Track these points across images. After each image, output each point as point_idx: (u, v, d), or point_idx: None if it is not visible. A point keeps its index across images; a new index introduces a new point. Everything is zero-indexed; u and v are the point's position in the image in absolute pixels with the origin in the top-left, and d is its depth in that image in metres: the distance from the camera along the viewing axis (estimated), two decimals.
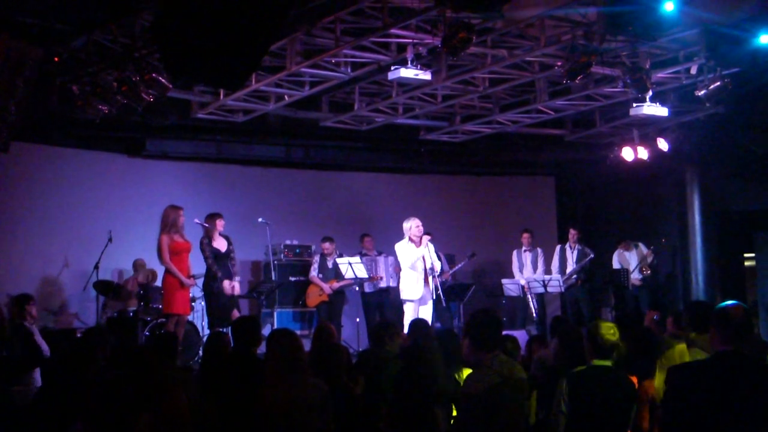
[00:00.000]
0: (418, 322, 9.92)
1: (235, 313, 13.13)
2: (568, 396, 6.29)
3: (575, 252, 16.88)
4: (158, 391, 5.99)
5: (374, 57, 12.86)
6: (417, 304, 13.43)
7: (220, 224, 13.41)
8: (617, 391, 6.39)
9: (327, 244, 16.43)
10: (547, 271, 17.15)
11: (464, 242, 18.25)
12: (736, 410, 5.09)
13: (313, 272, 16.44)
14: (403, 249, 13.57)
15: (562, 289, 16.57)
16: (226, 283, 13.11)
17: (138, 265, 15.24)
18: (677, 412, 5.25)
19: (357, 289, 16.65)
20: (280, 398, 6.42)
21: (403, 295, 13.62)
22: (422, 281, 13.45)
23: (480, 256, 17.58)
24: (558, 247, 17.28)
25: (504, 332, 7.53)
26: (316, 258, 16.55)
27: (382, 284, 16.54)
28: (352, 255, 16.19)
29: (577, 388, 6.31)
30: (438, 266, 13.76)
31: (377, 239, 17.00)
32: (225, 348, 8.56)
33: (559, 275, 16.54)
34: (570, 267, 16.81)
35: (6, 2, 11.46)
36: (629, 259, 17.03)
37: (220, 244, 13.32)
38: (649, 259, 16.91)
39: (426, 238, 13.55)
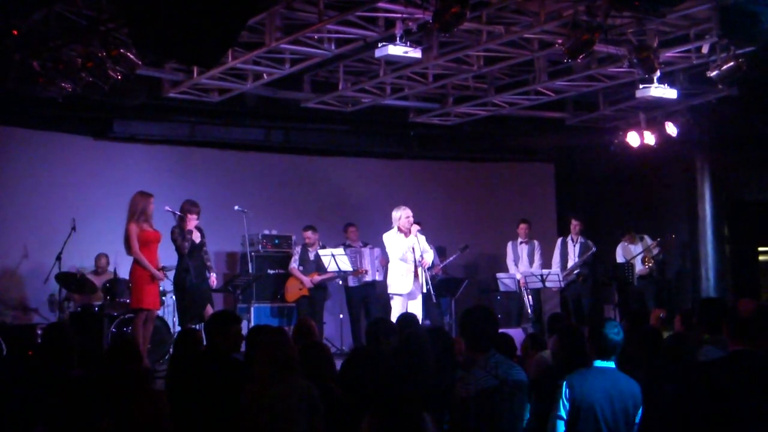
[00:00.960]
0: (406, 317, 9.92)
1: (209, 309, 13.11)
2: (567, 399, 6.30)
3: (577, 245, 16.91)
4: (124, 395, 6.00)
5: (360, 33, 12.82)
6: (405, 298, 13.46)
7: (193, 218, 13.32)
8: (622, 394, 6.40)
9: (309, 233, 16.42)
10: (545, 265, 17.16)
11: (456, 233, 18.25)
12: (751, 411, 5.14)
13: (293, 264, 16.44)
14: (391, 239, 13.59)
15: (562, 285, 16.60)
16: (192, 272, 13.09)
17: (99, 266, 15.23)
18: (690, 413, 5.28)
19: (340, 283, 16.67)
20: (266, 400, 6.42)
21: (391, 289, 13.65)
22: (411, 274, 13.48)
23: (473, 249, 17.61)
24: (559, 240, 17.30)
25: (499, 330, 7.54)
26: (297, 249, 16.55)
27: (368, 278, 16.55)
28: (335, 246, 16.19)
29: (578, 391, 6.32)
30: (429, 258, 13.77)
31: (362, 230, 17.00)
32: (195, 347, 8.52)
33: (559, 270, 16.57)
34: (571, 261, 16.84)
35: None
36: (634, 253, 17.01)
37: (194, 235, 13.28)
38: (654, 251, 16.90)
39: (415, 228, 13.57)
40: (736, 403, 5.17)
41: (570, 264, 16.83)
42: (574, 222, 17.04)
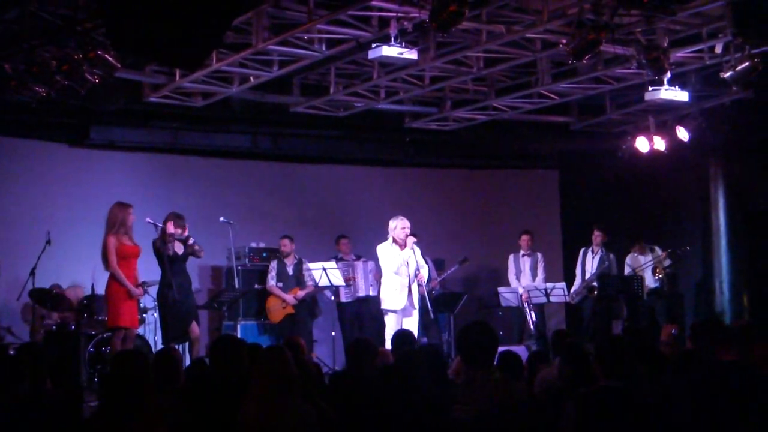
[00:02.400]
0: (402, 335, 9.92)
1: (195, 327, 13.10)
2: (576, 421, 6.28)
3: (597, 257, 16.88)
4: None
5: (352, 33, 12.84)
6: (400, 315, 13.49)
7: (178, 231, 13.27)
8: (632, 415, 6.38)
9: (286, 241, 16.34)
10: (549, 278, 17.14)
11: (455, 245, 18.26)
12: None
13: (271, 281, 16.31)
14: (385, 252, 13.61)
15: (567, 299, 16.60)
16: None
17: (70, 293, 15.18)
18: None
19: (332, 298, 16.65)
20: (266, 421, 6.43)
21: (385, 305, 13.66)
22: (406, 290, 13.50)
23: (473, 262, 17.62)
24: (581, 252, 17.22)
25: (501, 348, 7.54)
26: (273, 265, 16.40)
27: (361, 293, 16.55)
28: (326, 259, 16.18)
29: (587, 411, 6.30)
30: (425, 273, 13.78)
31: (355, 242, 17.00)
32: (176, 366, 8.44)
33: (563, 284, 16.56)
34: (588, 274, 16.83)
35: None
36: (643, 264, 16.99)
37: (176, 247, 13.26)
38: (665, 263, 16.89)
39: (411, 240, 13.58)
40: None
41: (587, 277, 16.84)
42: (596, 232, 16.94)
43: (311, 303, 16.57)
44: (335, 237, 17.09)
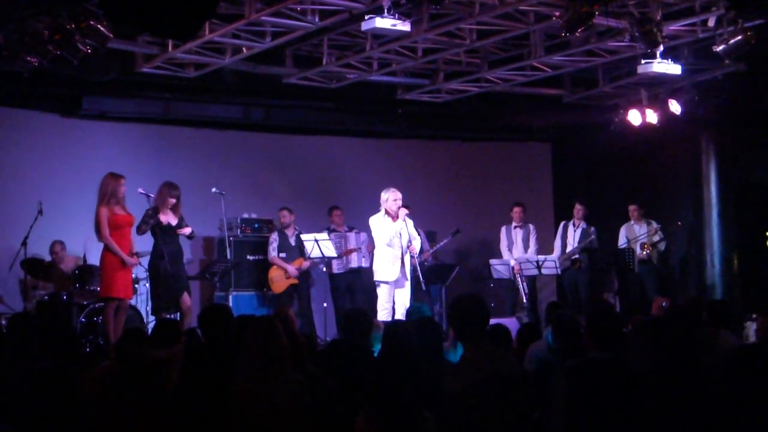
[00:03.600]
0: (392, 330, 9.90)
1: (186, 298, 13.12)
2: (565, 393, 6.30)
3: (578, 230, 16.95)
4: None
5: (345, 4, 12.82)
6: (392, 286, 13.50)
7: (171, 200, 13.28)
8: (623, 386, 6.39)
9: (285, 212, 16.39)
10: (541, 250, 17.19)
11: (447, 217, 18.28)
12: None
13: (273, 252, 16.37)
14: (378, 223, 13.61)
15: (559, 272, 16.65)
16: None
17: (54, 253, 15.16)
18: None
19: (324, 269, 16.66)
20: (257, 393, 6.46)
21: (377, 276, 13.67)
22: (399, 261, 13.51)
23: (465, 234, 17.63)
24: (561, 225, 17.33)
25: (493, 320, 7.54)
26: (274, 236, 16.45)
27: (353, 264, 16.58)
28: (319, 231, 16.18)
29: (577, 383, 6.31)
30: (417, 245, 13.80)
31: (347, 213, 17.00)
32: (176, 338, 8.48)
33: (557, 256, 16.62)
34: (570, 247, 16.91)
35: None
36: (638, 234, 17.01)
37: (169, 218, 13.26)
38: (655, 238, 16.92)
39: (403, 211, 13.58)
40: None
41: (569, 250, 16.89)
42: (577, 206, 17.08)
43: (309, 275, 16.60)
44: (328, 208, 17.09)
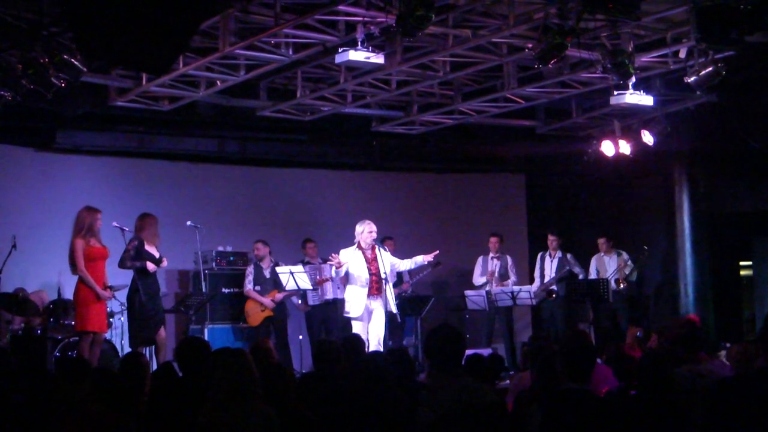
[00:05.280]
0: (350, 340, 9.86)
1: (162, 332, 13.07)
2: (541, 424, 6.30)
3: (555, 261, 17.02)
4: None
5: (319, 37, 12.83)
6: (364, 320, 13.42)
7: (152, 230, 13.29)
8: (597, 418, 6.40)
9: (259, 245, 16.36)
10: (521, 282, 17.24)
11: (422, 249, 18.19)
12: None
13: (248, 285, 16.35)
14: (345, 257, 13.55)
15: (533, 303, 16.69)
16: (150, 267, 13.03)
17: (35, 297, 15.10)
18: None
19: (299, 302, 16.63)
20: (224, 426, 6.43)
21: (348, 312, 13.60)
22: (369, 295, 13.46)
23: (441, 265, 17.61)
24: (539, 256, 17.41)
25: (469, 351, 7.55)
26: (250, 269, 16.43)
27: (328, 296, 16.55)
28: (293, 263, 16.15)
29: (551, 413, 6.32)
30: (404, 266, 13.93)
31: (323, 245, 16.94)
32: (142, 372, 8.42)
33: (530, 287, 16.66)
34: (547, 278, 16.96)
35: None
36: (608, 267, 17.07)
37: (152, 250, 13.24)
38: (626, 271, 16.97)
39: (376, 243, 13.57)
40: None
41: (546, 280, 16.95)
42: (550, 237, 17.20)
43: (285, 307, 16.56)
44: (301, 240, 17.08)
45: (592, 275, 17.07)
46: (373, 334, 13.32)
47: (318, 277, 16.43)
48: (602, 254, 17.24)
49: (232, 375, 6.64)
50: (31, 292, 15.10)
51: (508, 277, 17.23)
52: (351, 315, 13.51)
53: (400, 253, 16.35)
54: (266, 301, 16.15)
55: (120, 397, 7.01)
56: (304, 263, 16.50)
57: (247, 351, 7.18)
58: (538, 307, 17.26)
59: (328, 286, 16.56)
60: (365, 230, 13.55)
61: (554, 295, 16.86)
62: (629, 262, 17.02)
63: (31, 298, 14.71)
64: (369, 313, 13.47)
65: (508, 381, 11.62)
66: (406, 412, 6.86)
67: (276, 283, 16.07)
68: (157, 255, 13.28)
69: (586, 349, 6.95)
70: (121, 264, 13.13)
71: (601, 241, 17.20)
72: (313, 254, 16.90)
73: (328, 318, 16.62)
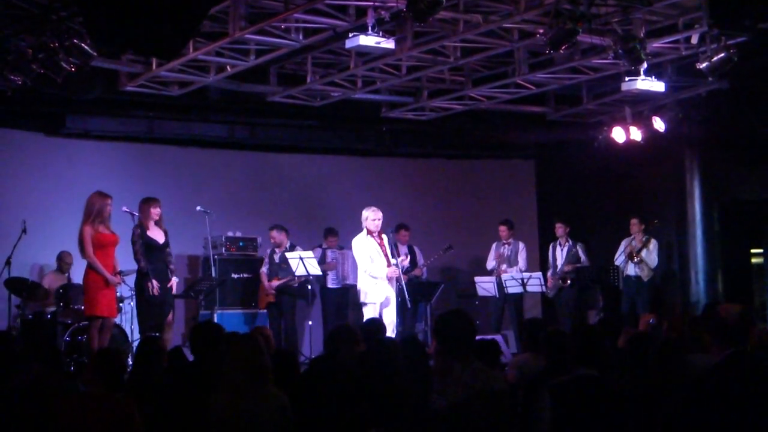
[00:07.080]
0: (372, 325, 9.88)
1: (171, 317, 13.10)
2: (550, 410, 6.29)
3: (565, 249, 16.96)
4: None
5: (329, 22, 12.80)
6: (378, 306, 13.43)
7: (155, 212, 13.30)
8: (607, 404, 6.39)
9: (274, 233, 16.40)
10: (531, 268, 17.20)
11: (433, 235, 18.25)
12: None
13: (263, 269, 16.52)
14: (359, 243, 13.57)
15: (543, 290, 16.67)
16: (154, 283, 12.98)
17: (63, 263, 15.15)
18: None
19: (317, 284, 16.71)
20: (239, 411, 6.45)
21: (362, 297, 13.60)
22: (384, 280, 13.47)
23: (451, 252, 17.59)
24: (551, 246, 17.37)
25: (478, 337, 7.54)
26: (267, 252, 16.59)
27: (349, 280, 16.61)
28: (305, 249, 16.15)
29: (562, 400, 6.31)
30: (403, 261, 13.87)
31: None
32: (159, 355, 8.46)
33: (540, 274, 16.61)
34: (559, 268, 16.93)
35: None
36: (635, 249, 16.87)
37: (157, 234, 13.24)
38: (638, 246, 16.76)
39: (381, 230, 13.63)
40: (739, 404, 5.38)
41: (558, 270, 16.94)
42: (557, 225, 17.15)
43: (300, 290, 16.53)
44: (311, 226, 17.21)
45: (620, 260, 16.91)
46: (388, 320, 13.30)
47: (342, 267, 16.60)
48: (633, 237, 16.97)
49: (243, 359, 6.65)
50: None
51: (517, 263, 17.20)
52: (368, 300, 13.49)
53: (411, 240, 16.42)
54: (266, 285, 16.29)
55: (121, 379, 7.06)
56: (325, 249, 16.61)
57: (255, 335, 7.18)
58: (555, 298, 17.18)
59: (350, 270, 16.57)
60: (369, 217, 13.54)
61: (569, 281, 16.80)
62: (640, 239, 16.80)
63: (43, 283, 14.81)
64: (386, 299, 13.48)
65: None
66: (416, 398, 6.86)
67: (282, 269, 16.09)
68: (162, 239, 13.27)
69: (596, 334, 6.93)
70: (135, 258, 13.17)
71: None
72: (334, 245, 17.07)
73: (343, 302, 16.71)
